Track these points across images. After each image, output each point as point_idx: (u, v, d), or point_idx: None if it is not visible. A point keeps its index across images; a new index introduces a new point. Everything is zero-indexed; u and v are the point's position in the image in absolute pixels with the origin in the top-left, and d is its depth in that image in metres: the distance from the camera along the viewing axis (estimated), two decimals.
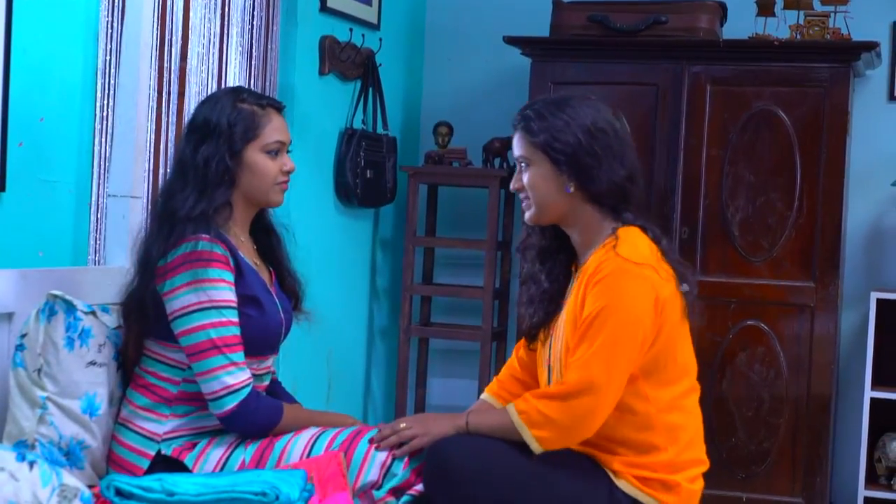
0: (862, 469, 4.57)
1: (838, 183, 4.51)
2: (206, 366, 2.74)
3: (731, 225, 4.60)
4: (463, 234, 5.25)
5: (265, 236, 3.03)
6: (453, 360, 5.39)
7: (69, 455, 2.69)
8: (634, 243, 2.74)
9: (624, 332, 2.65)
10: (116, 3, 3.38)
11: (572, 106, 2.79)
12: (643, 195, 2.88)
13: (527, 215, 2.87)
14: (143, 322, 2.81)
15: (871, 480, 4.63)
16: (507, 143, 5.01)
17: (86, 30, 3.30)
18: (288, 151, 2.95)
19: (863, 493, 4.56)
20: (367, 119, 4.87)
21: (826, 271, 4.51)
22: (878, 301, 4.54)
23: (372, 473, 2.71)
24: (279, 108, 2.94)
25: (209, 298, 2.74)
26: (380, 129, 4.93)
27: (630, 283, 2.67)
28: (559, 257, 2.92)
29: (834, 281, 4.51)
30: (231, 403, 2.74)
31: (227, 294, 2.77)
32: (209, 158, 2.81)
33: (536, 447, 2.68)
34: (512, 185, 2.87)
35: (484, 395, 3.09)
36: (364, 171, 4.76)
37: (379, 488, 2.71)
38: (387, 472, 2.73)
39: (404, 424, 2.77)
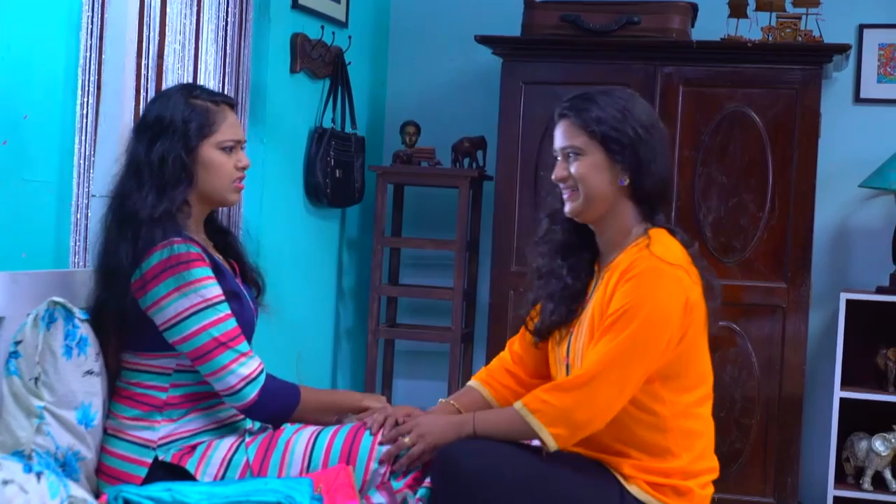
0: (831, 469, 4.60)
1: (810, 184, 4.53)
2: (215, 364, 2.69)
3: (703, 226, 4.60)
4: (428, 235, 5.21)
5: (221, 235, 3.00)
6: (418, 362, 5.35)
7: (65, 466, 2.60)
8: (667, 244, 2.71)
9: (649, 331, 2.60)
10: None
11: (625, 98, 2.76)
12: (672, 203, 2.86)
13: (568, 207, 2.79)
14: (124, 335, 2.75)
15: (840, 480, 4.66)
16: (476, 143, 4.99)
17: (68, 25, 3.20)
18: (242, 149, 2.90)
19: (832, 492, 4.59)
20: (336, 118, 4.80)
21: (798, 272, 4.53)
22: (847, 302, 4.58)
23: (380, 466, 2.69)
24: (232, 104, 2.90)
25: (202, 298, 2.69)
26: (348, 129, 4.87)
27: (662, 283, 2.63)
28: (582, 254, 2.86)
29: (805, 282, 4.53)
30: (252, 393, 2.71)
31: (215, 290, 2.73)
32: (164, 156, 2.75)
33: (553, 444, 2.63)
34: (555, 175, 2.79)
35: (471, 382, 3.04)
36: (334, 171, 4.70)
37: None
38: (394, 461, 2.71)
39: (408, 440, 2.71)
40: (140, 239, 2.69)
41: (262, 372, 2.74)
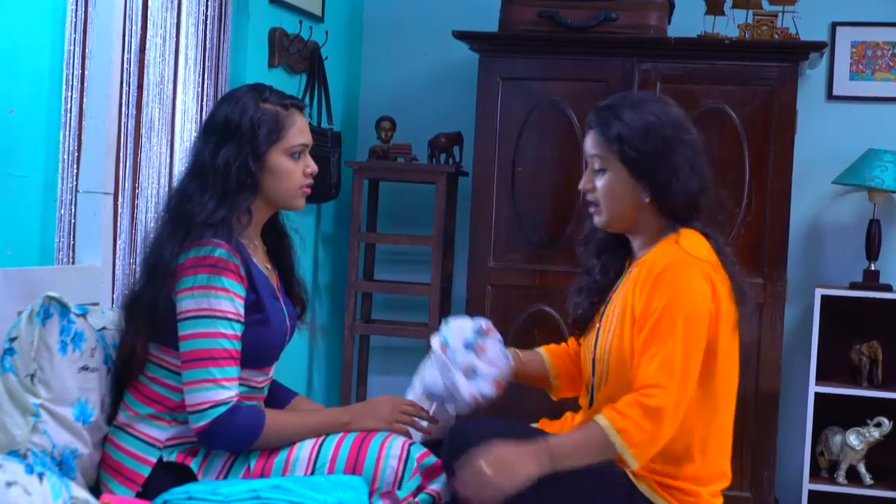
0: (806, 463, 4.64)
1: (786, 181, 4.56)
2: (189, 377, 2.61)
3: None
4: (403, 230, 5.19)
5: (278, 240, 2.92)
6: (394, 358, 5.33)
7: (62, 465, 2.55)
8: (697, 243, 2.69)
9: (692, 328, 2.57)
10: None
11: (654, 112, 2.71)
12: (714, 207, 2.83)
13: (596, 220, 2.80)
14: (152, 327, 2.68)
15: (815, 474, 4.71)
16: (453, 139, 4.97)
17: (53, 19, 3.16)
18: (309, 152, 2.84)
19: (807, 486, 4.63)
20: (312, 113, 4.78)
21: (774, 268, 4.56)
22: (822, 297, 4.61)
23: (388, 473, 2.65)
24: (301, 107, 2.83)
25: (210, 307, 2.61)
26: (325, 124, 4.84)
27: (689, 274, 2.61)
28: (617, 252, 2.87)
29: (781, 277, 4.56)
30: (197, 423, 2.60)
31: (228, 305, 2.63)
32: (230, 162, 2.68)
33: (634, 464, 2.57)
34: (581, 184, 2.78)
35: (540, 350, 3.07)
36: None
37: (399, 486, 2.66)
38: (405, 465, 2.67)
39: (490, 471, 2.49)
40: (188, 238, 2.64)
41: (223, 404, 2.59)
